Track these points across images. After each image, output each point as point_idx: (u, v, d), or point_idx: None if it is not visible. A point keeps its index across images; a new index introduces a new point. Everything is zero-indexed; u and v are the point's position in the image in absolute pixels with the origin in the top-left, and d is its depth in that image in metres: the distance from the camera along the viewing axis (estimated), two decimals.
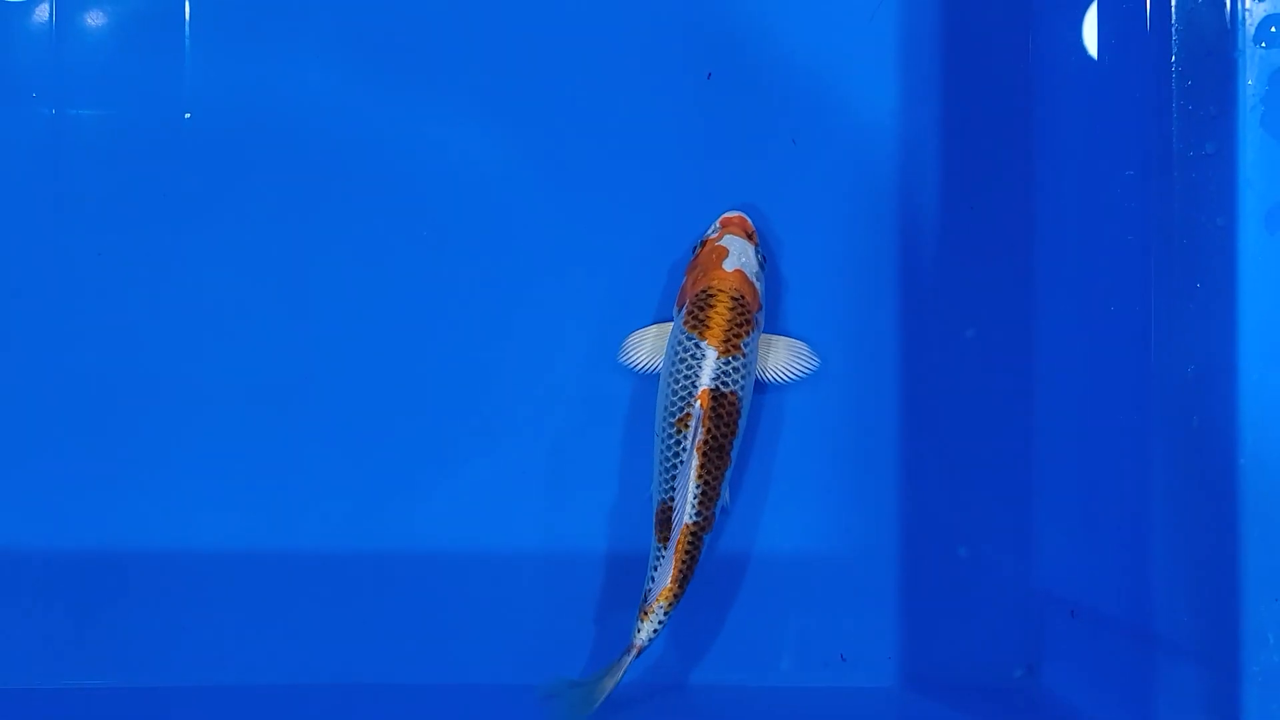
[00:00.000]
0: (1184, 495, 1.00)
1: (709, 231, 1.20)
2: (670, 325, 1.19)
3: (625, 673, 1.13)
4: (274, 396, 1.22)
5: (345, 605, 1.22)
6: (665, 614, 1.13)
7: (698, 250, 1.20)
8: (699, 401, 1.13)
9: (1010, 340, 1.24)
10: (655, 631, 1.13)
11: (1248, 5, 0.95)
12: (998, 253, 1.25)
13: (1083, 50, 1.19)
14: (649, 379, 1.20)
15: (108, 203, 1.22)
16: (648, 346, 1.20)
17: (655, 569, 1.14)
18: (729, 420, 1.15)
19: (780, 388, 1.21)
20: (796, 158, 1.24)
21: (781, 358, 1.20)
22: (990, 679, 1.23)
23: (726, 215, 1.20)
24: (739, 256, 1.17)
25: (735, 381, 1.15)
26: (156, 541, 1.21)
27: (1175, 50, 1.00)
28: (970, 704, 1.21)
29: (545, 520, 1.23)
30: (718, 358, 1.14)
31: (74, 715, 1.18)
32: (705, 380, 1.14)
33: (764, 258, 1.20)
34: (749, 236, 1.19)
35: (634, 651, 1.13)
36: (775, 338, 1.20)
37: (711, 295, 1.16)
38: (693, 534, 1.13)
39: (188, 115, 1.22)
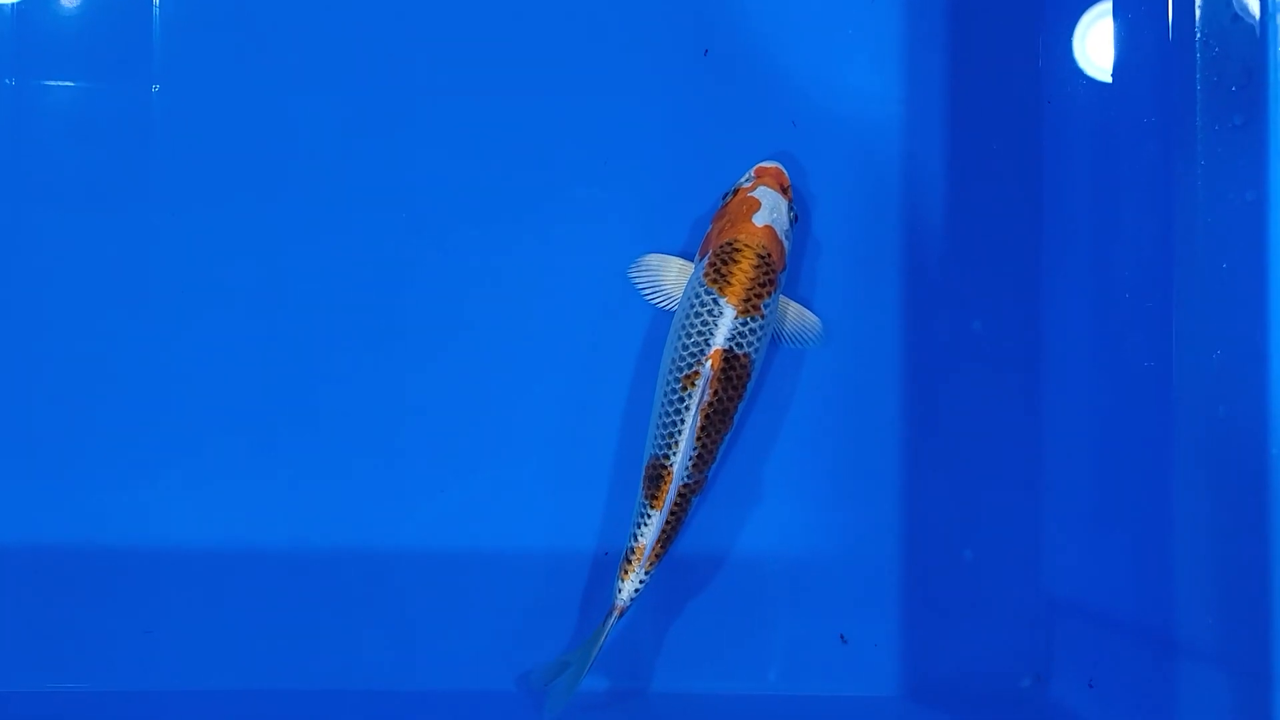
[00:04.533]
0: (1209, 490, 0.99)
1: (742, 180, 1.17)
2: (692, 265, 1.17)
3: (608, 635, 1.12)
4: (256, 388, 1.19)
5: (333, 608, 1.19)
6: (646, 574, 1.12)
7: (728, 198, 1.17)
8: (709, 362, 1.11)
9: (1018, 332, 1.22)
10: (636, 591, 1.12)
11: None
12: (1005, 240, 1.23)
13: (1098, 19, 1.17)
14: (651, 370, 1.18)
15: (71, 179, 1.19)
16: (663, 277, 1.17)
17: (640, 527, 1.12)
18: (738, 384, 1.12)
19: (780, 382, 1.20)
20: (796, 141, 1.22)
21: (787, 324, 1.18)
22: (996, 688, 1.21)
23: (763, 165, 1.18)
24: (770, 211, 1.14)
25: (750, 344, 1.12)
26: (138, 541, 1.18)
27: (1200, 16, 0.98)
28: (975, 714, 1.19)
29: (540, 522, 1.20)
30: (735, 317, 1.12)
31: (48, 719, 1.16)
32: (719, 340, 1.11)
33: (796, 215, 1.17)
34: (784, 190, 1.16)
35: (616, 613, 1.12)
36: (792, 304, 1.18)
37: (737, 250, 1.13)
38: (682, 495, 1.11)
39: (156, 88, 1.20)
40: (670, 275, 1.17)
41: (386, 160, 1.20)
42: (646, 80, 1.21)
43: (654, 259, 1.18)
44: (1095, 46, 1.18)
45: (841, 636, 1.20)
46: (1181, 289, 1.01)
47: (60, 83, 1.19)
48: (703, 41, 1.22)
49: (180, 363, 1.19)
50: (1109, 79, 1.16)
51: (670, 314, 1.17)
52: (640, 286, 1.18)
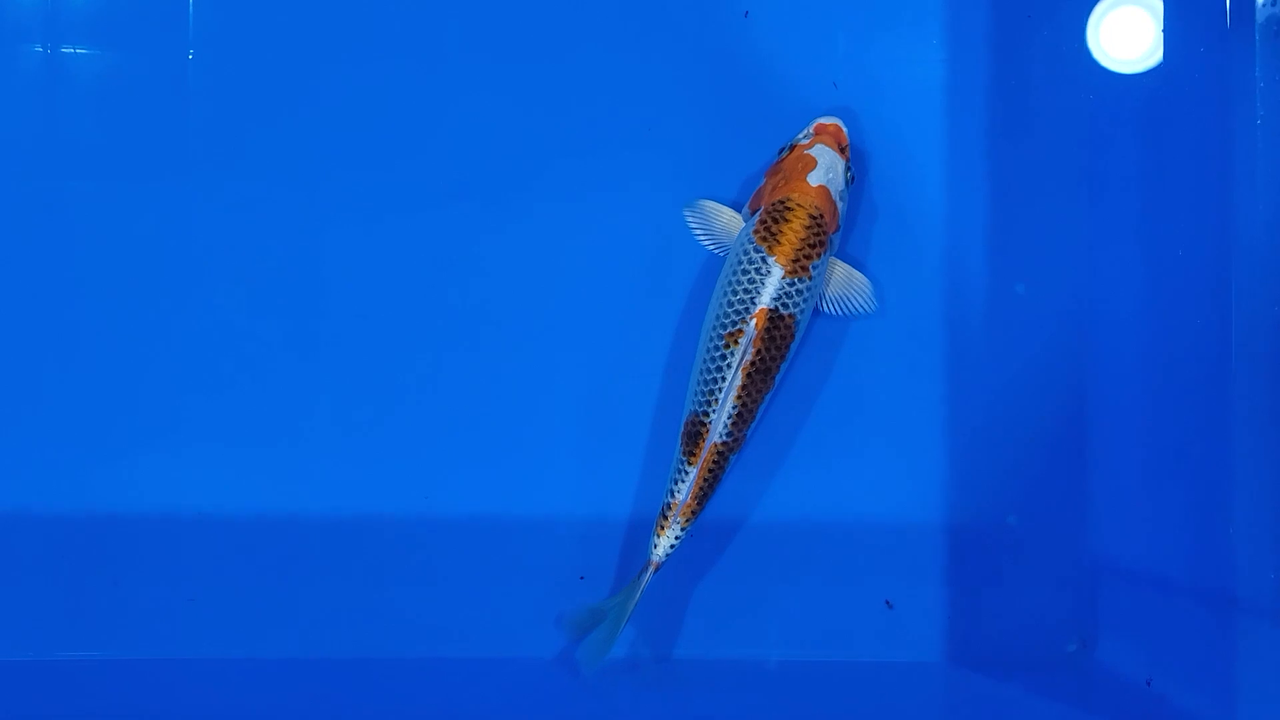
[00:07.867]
0: (1273, 443, 0.95)
1: (800, 136, 1.16)
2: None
3: (644, 593, 1.12)
4: (293, 356, 1.19)
5: (370, 576, 1.19)
6: (682, 530, 1.12)
7: (784, 154, 1.16)
8: (754, 321, 1.10)
9: (1065, 293, 1.21)
10: (672, 547, 1.12)
11: None
12: (1050, 198, 1.21)
13: None
14: (687, 341, 1.18)
15: (103, 149, 1.19)
16: (714, 223, 1.17)
17: (676, 483, 1.12)
18: (782, 344, 1.11)
19: (820, 344, 1.19)
20: (838, 102, 1.21)
21: (839, 288, 1.16)
22: (1041, 654, 1.21)
23: (822, 121, 1.16)
24: (826, 171, 1.13)
25: (796, 304, 1.12)
26: (181, 511, 1.18)
27: None
28: (1020, 680, 1.19)
29: (578, 486, 1.20)
30: (783, 277, 1.11)
31: (71, 688, 1.16)
32: (765, 299, 1.11)
33: (853, 175, 1.16)
34: (841, 150, 1.15)
35: (651, 568, 1.12)
36: (840, 264, 1.17)
37: (789, 209, 1.12)
38: (720, 453, 1.11)
39: (191, 55, 1.19)
40: (721, 222, 1.17)
41: (425, 126, 1.20)
42: (686, 43, 1.20)
43: (707, 205, 1.17)
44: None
45: (887, 602, 1.20)
46: (1239, 244, 0.99)
47: (92, 51, 1.19)
48: (743, 2, 1.20)
49: (218, 332, 1.19)
50: (1162, 30, 1.14)
51: (717, 260, 1.16)
52: (692, 225, 1.17)
